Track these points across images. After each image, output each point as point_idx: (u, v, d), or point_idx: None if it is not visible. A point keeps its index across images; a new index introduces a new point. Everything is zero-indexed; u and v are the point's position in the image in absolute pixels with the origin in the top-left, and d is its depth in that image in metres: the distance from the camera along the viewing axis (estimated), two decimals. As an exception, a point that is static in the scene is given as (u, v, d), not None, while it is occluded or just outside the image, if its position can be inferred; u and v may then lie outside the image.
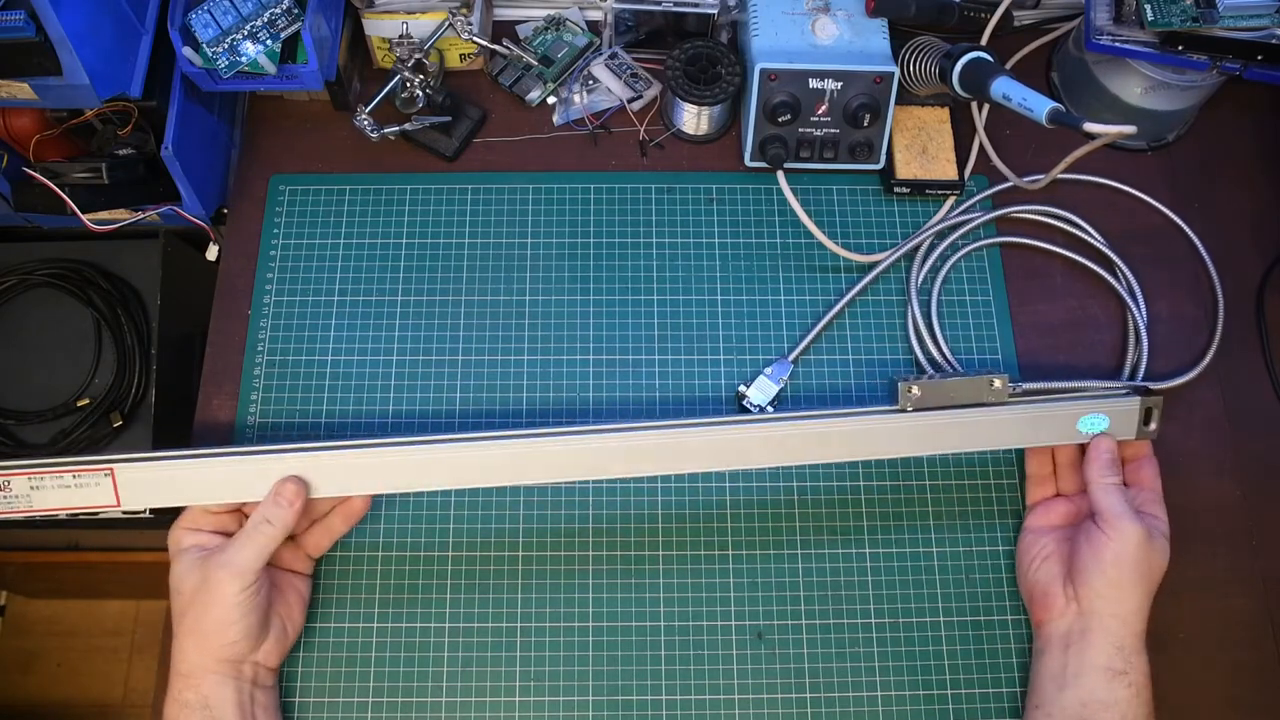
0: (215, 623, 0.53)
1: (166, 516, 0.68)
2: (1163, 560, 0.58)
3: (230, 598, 0.53)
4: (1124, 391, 0.62)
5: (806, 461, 0.61)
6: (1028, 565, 0.60)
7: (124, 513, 0.68)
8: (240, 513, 0.58)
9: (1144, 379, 0.67)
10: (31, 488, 0.57)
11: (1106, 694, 0.54)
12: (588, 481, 0.64)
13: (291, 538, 0.59)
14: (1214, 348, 0.68)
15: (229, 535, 0.56)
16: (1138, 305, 0.69)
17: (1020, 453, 0.65)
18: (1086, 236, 0.71)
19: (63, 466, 0.56)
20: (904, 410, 0.59)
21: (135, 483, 0.57)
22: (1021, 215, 0.72)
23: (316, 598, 0.61)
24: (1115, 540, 0.56)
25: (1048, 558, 0.59)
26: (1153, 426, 0.61)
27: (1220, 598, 0.63)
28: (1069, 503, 0.62)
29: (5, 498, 0.56)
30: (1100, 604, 0.56)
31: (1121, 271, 0.70)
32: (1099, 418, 0.60)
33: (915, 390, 0.59)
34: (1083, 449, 0.61)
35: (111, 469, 0.56)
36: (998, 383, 0.60)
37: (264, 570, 0.55)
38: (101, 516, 0.68)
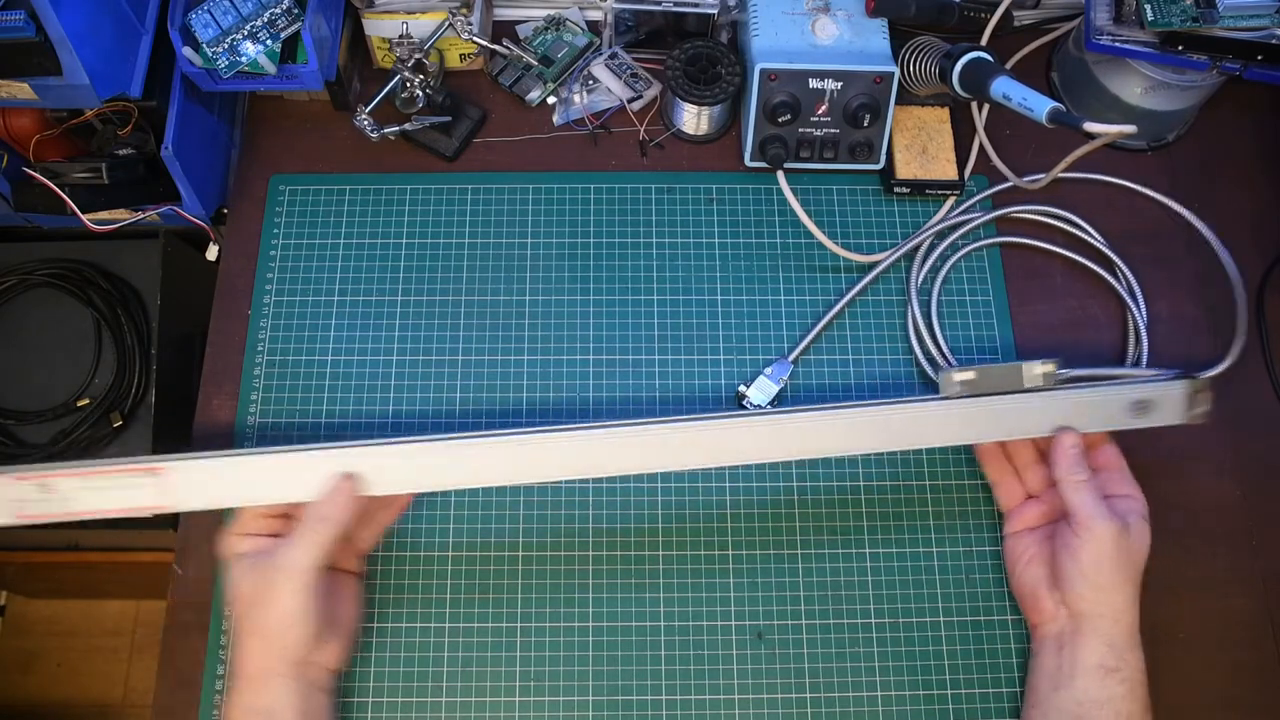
0: (278, 624, 0.53)
1: (166, 517, 0.68)
2: (1143, 544, 0.57)
3: (291, 598, 0.52)
4: (1168, 376, 0.61)
5: (847, 452, 0.59)
6: (1013, 569, 0.61)
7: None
8: (291, 517, 0.57)
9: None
10: (81, 489, 0.54)
11: (1100, 692, 0.54)
12: (588, 481, 0.64)
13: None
14: (1243, 338, 0.67)
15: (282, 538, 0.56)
16: (1138, 305, 0.69)
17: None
18: (1086, 236, 0.71)
19: (110, 467, 0.54)
20: (949, 398, 0.58)
21: (183, 484, 0.55)
22: (1021, 215, 0.72)
23: (316, 598, 0.61)
24: (1090, 543, 0.55)
25: (1031, 561, 0.59)
26: (1200, 409, 0.60)
27: (1220, 598, 0.63)
28: (1041, 502, 0.61)
29: (50, 500, 0.54)
30: (1087, 605, 0.56)
31: (1121, 271, 0.70)
32: (1146, 403, 0.59)
33: (958, 377, 0.58)
34: (1037, 447, 0.61)
35: (160, 469, 0.54)
36: (1039, 369, 0.58)
37: (323, 570, 0.54)
38: (101, 516, 0.68)
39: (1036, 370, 0.58)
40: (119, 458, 0.55)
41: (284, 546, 0.53)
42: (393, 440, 0.55)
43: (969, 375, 0.58)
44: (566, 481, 0.64)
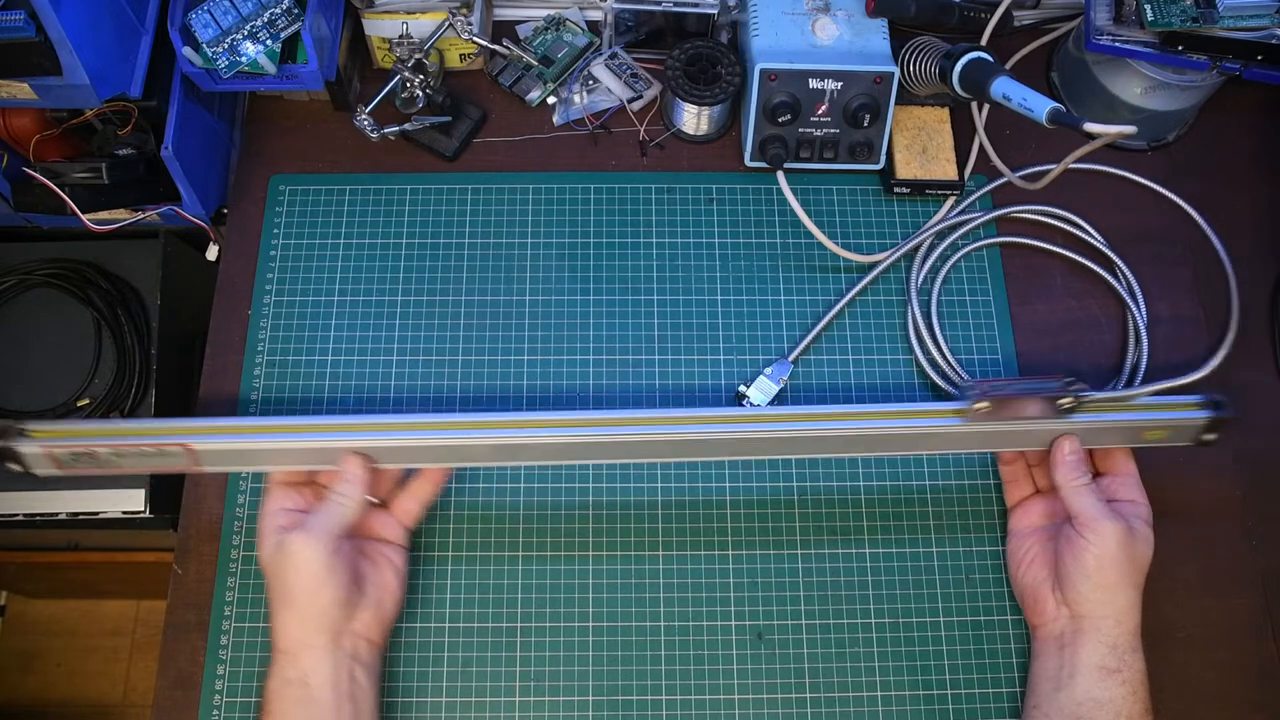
0: (304, 591, 0.54)
1: (166, 517, 0.68)
2: (1146, 549, 0.57)
3: (310, 563, 0.53)
4: (1194, 402, 0.60)
5: (843, 456, 0.62)
6: (1015, 569, 0.61)
7: (124, 512, 0.68)
8: (317, 486, 0.60)
9: (1144, 379, 0.67)
10: (116, 456, 0.57)
11: (1101, 692, 0.54)
12: (588, 481, 0.64)
13: (383, 506, 0.60)
14: (1229, 342, 0.67)
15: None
16: (1138, 305, 0.69)
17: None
18: (1086, 236, 0.71)
19: (141, 437, 0.57)
20: (967, 418, 0.57)
21: (211, 453, 0.57)
22: (1022, 215, 0.72)
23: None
24: (1095, 543, 0.55)
25: (1033, 561, 0.59)
26: (1212, 436, 0.60)
27: (1220, 598, 0.63)
28: (1046, 500, 0.62)
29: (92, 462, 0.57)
30: (1089, 607, 0.56)
31: (1121, 271, 0.70)
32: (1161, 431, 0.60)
33: (981, 406, 0.57)
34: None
35: (187, 443, 0.57)
36: (1064, 401, 0.57)
37: (343, 538, 0.55)
38: (101, 516, 0.68)
39: (1064, 401, 0.57)
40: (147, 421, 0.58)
41: (304, 520, 0.55)
42: (402, 422, 0.58)
43: (985, 405, 0.57)
44: (560, 477, 0.64)
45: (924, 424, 0.58)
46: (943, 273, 0.70)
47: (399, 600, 0.59)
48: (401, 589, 0.59)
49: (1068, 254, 0.71)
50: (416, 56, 0.69)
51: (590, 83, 0.75)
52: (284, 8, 0.65)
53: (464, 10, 0.69)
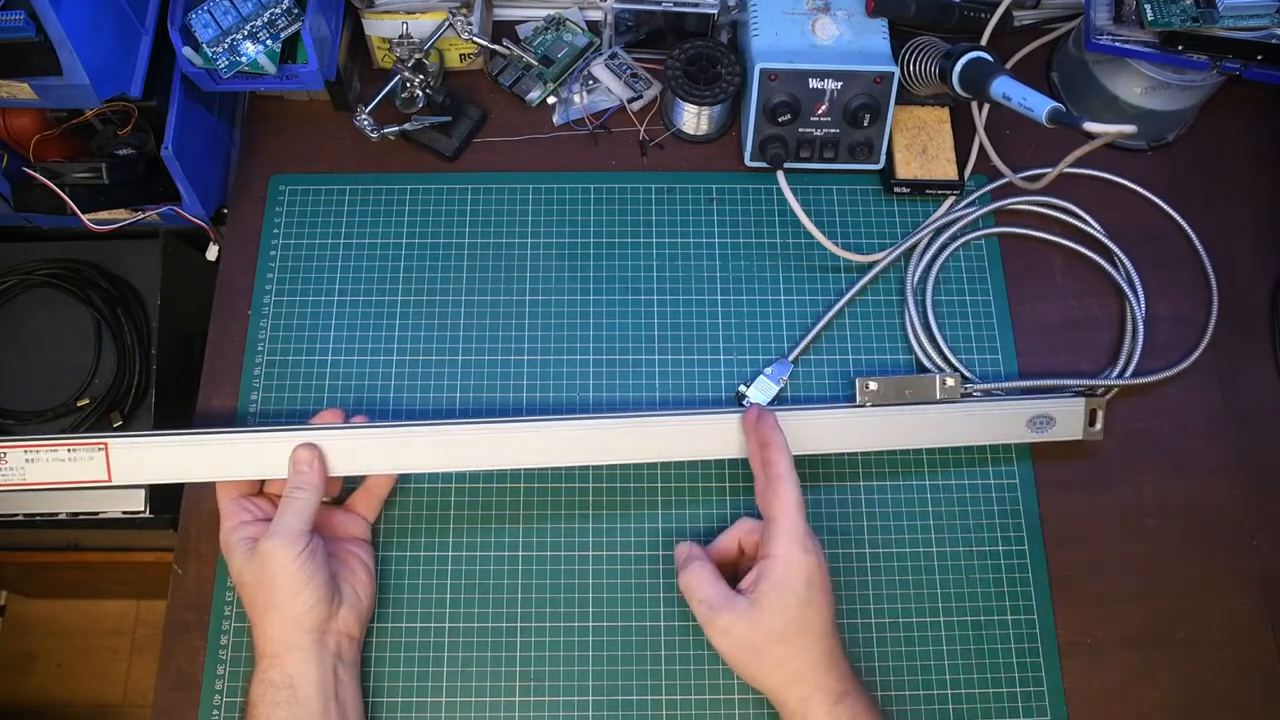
0: (286, 592, 0.54)
1: (166, 516, 0.68)
2: (720, 634, 0.54)
3: (289, 564, 0.54)
4: (1071, 393, 0.64)
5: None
6: None
7: (124, 512, 0.68)
8: (271, 497, 0.60)
9: (1134, 374, 0.67)
10: (26, 460, 0.57)
11: None
12: (588, 481, 0.64)
13: (341, 505, 0.61)
14: (1202, 345, 0.68)
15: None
16: (1136, 295, 0.69)
17: (1024, 451, 0.65)
18: (1085, 226, 0.71)
19: (58, 441, 0.57)
20: (863, 405, 0.61)
21: (128, 459, 0.57)
22: (1019, 207, 0.72)
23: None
24: None
25: None
26: (1097, 427, 0.64)
27: (1220, 598, 0.63)
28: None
29: (1, 470, 0.57)
30: None
31: (1120, 260, 0.70)
32: (1046, 419, 0.63)
33: (872, 385, 0.62)
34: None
35: (105, 444, 0.57)
36: (950, 381, 0.63)
37: (314, 534, 0.56)
38: (102, 516, 0.68)
39: (949, 382, 0.63)
40: (65, 434, 0.58)
41: (270, 525, 0.55)
42: (330, 427, 0.59)
43: (874, 385, 0.63)
44: (559, 476, 0.64)
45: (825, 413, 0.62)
46: (938, 265, 0.70)
47: (373, 595, 0.60)
48: (373, 583, 0.60)
49: (1065, 242, 0.71)
50: (416, 56, 0.69)
51: (590, 83, 0.75)
52: (284, 8, 0.65)
53: (464, 10, 0.69)
